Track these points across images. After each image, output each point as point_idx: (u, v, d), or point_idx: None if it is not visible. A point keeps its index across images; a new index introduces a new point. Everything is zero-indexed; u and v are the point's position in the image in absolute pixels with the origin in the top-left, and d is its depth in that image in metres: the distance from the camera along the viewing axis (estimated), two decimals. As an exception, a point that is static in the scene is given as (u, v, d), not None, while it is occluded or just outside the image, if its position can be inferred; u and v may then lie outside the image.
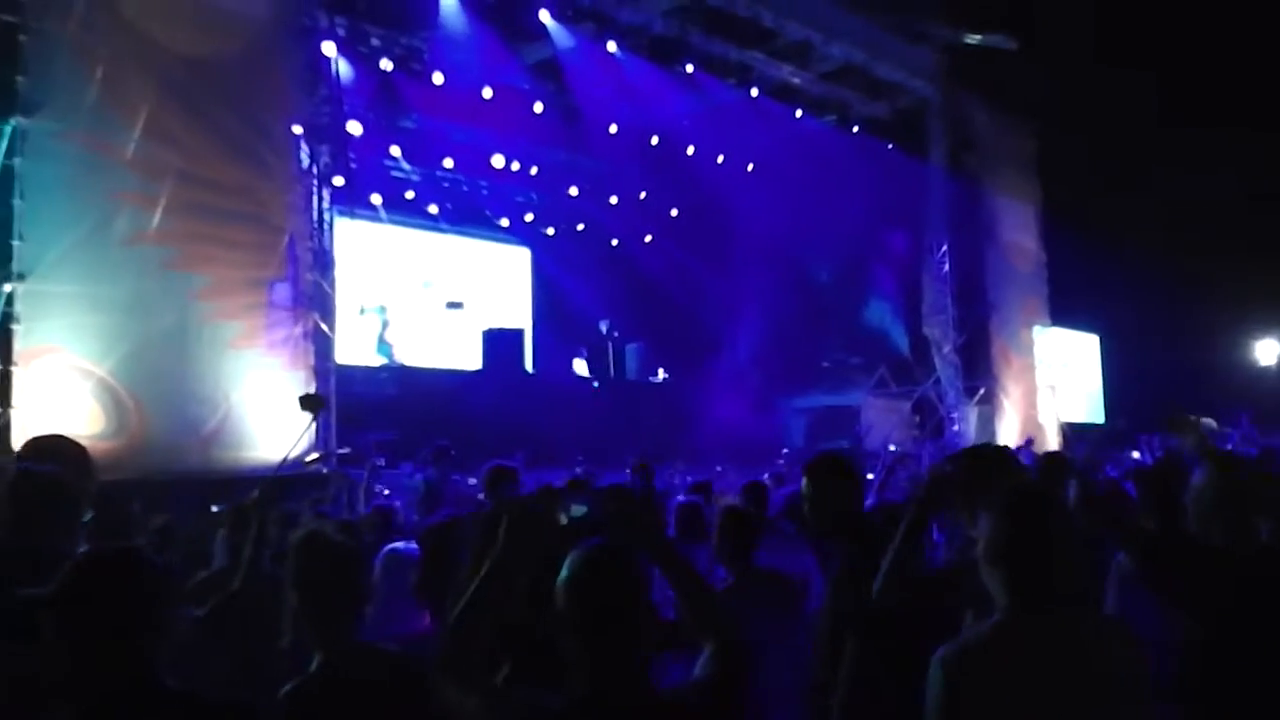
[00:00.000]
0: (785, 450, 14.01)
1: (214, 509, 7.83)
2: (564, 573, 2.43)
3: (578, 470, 9.53)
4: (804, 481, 3.93)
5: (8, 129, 10.02)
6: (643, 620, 2.43)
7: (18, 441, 9.62)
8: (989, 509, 2.78)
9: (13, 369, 9.82)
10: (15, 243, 9.96)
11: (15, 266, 9.95)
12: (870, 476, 12.14)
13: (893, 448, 13.73)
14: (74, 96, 10.14)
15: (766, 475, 10.53)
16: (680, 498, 7.16)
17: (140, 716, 2.43)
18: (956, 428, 20.54)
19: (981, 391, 21.26)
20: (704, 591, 2.67)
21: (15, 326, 9.87)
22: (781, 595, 4.55)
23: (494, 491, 6.01)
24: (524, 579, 2.51)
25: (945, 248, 20.55)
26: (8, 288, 9.93)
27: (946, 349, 20.54)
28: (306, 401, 11.64)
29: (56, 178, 10.16)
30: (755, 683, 2.97)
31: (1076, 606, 2.72)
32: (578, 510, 2.65)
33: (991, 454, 3.80)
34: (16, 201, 10.01)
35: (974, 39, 19.11)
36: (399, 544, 6.02)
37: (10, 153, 10.07)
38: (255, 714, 2.61)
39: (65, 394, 9.96)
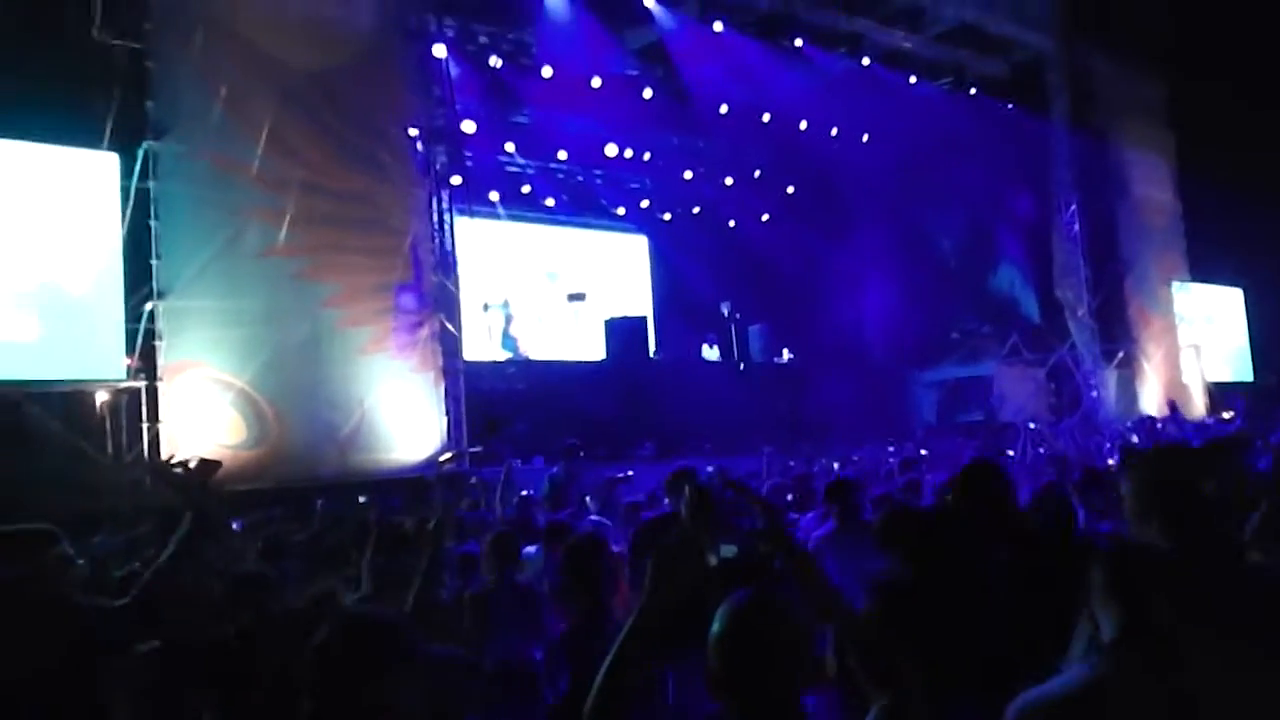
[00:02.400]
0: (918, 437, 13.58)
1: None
2: (715, 628, 2.21)
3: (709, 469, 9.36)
4: (952, 495, 3.76)
5: (140, 153, 10.39)
6: (801, 679, 2.21)
7: (168, 455, 10.02)
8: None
9: (158, 384, 10.20)
10: (154, 262, 10.36)
11: (155, 284, 10.34)
12: (1011, 453, 11.90)
13: (1032, 425, 13.31)
14: (199, 117, 10.48)
15: (893, 459, 10.30)
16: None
17: None
18: (1095, 393, 19.86)
19: (1120, 355, 20.51)
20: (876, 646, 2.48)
21: (158, 343, 10.24)
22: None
23: (675, 494, 5.96)
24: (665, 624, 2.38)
25: (1074, 207, 19.87)
26: (149, 305, 10.31)
27: (1081, 312, 19.85)
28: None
29: (188, 197, 10.51)
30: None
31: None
32: (727, 551, 2.47)
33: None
34: (152, 222, 10.41)
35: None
36: (529, 549, 6.08)
37: (144, 175, 10.45)
38: None
39: (208, 406, 10.30)
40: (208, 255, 10.42)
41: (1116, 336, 20.58)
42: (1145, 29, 18.91)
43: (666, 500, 6.45)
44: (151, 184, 10.39)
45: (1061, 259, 19.87)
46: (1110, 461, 9.39)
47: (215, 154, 10.58)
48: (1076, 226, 19.82)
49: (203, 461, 9.59)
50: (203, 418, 10.23)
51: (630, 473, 10.38)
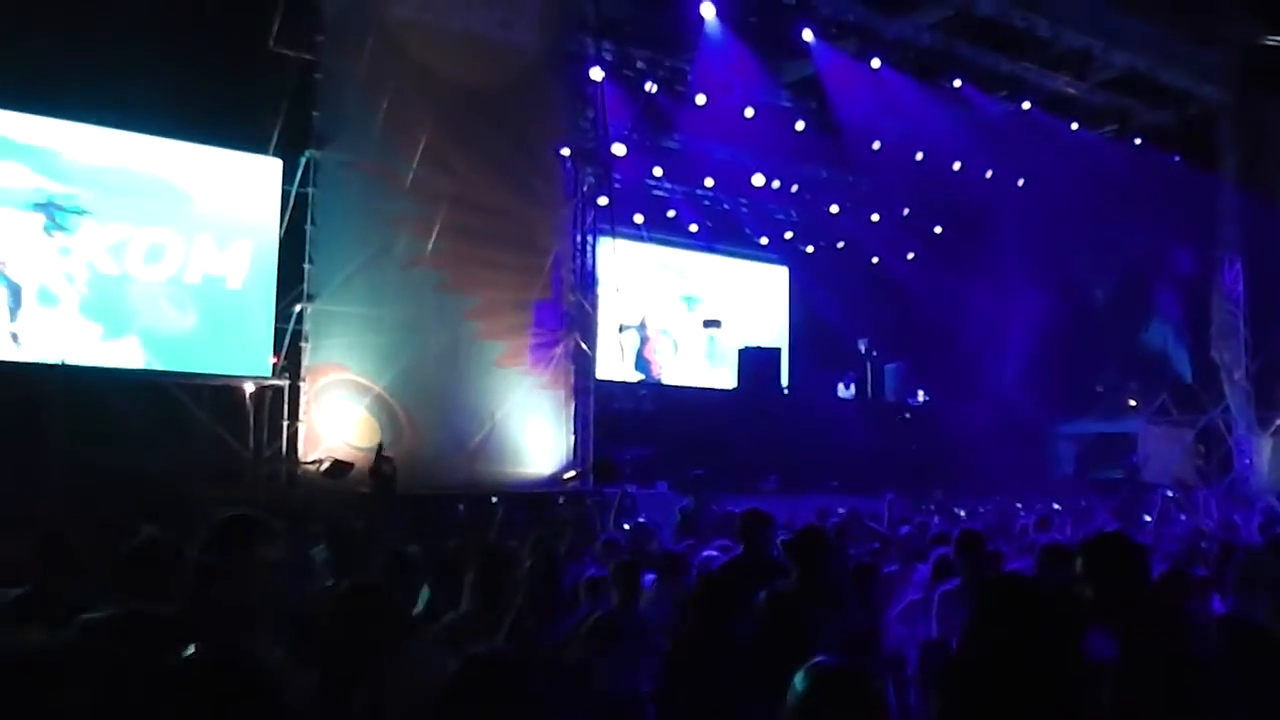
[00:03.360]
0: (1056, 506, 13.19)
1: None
2: (798, 691, 2.23)
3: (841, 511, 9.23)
4: (1080, 563, 3.61)
5: (302, 160, 10.83)
6: None
7: (305, 453, 10.41)
8: None
9: (301, 384, 10.58)
10: (307, 265, 10.76)
11: (306, 287, 10.76)
12: (1148, 519, 11.42)
13: (1170, 493, 12.76)
14: (361, 129, 10.87)
15: (1024, 515, 10.02)
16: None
17: None
18: (1247, 461, 18.93)
19: (1278, 423, 19.50)
20: None
21: (304, 344, 10.64)
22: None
23: (749, 539, 5.78)
24: None
25: (1238, 266, 18.99)
26: (299, 307, 10.73)
27: (1238, 375, 18.93)
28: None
29: (344, 205, 10.92)
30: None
31: None
32: None
33: None
34: (308, 227, 10.84)
35: (1276, 40, 17.61)
36: (647, 576, 6.07)
37: (304, 181, 10.90)
38: None
39: (346, 408, 10.64)
40: (358, 263, 10.80)
41: (1276, 403, 19.57)
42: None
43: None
44: (311, 190, 10.83)
45: (1221, 319, 19.01)
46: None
47: (373, 164, 10.96)
48: (1240, 287, 18.95)
49: (336, 463, 9.94)
50: (340, 419, 10.57)
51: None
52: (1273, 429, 19.43)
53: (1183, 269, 20.09)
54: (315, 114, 10.91)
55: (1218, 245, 19.12)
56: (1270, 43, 17.66)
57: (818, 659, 2.29)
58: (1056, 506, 13.19)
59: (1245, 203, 18.85)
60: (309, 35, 10.95)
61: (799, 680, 2.24)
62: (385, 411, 10.70)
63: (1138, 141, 18.75)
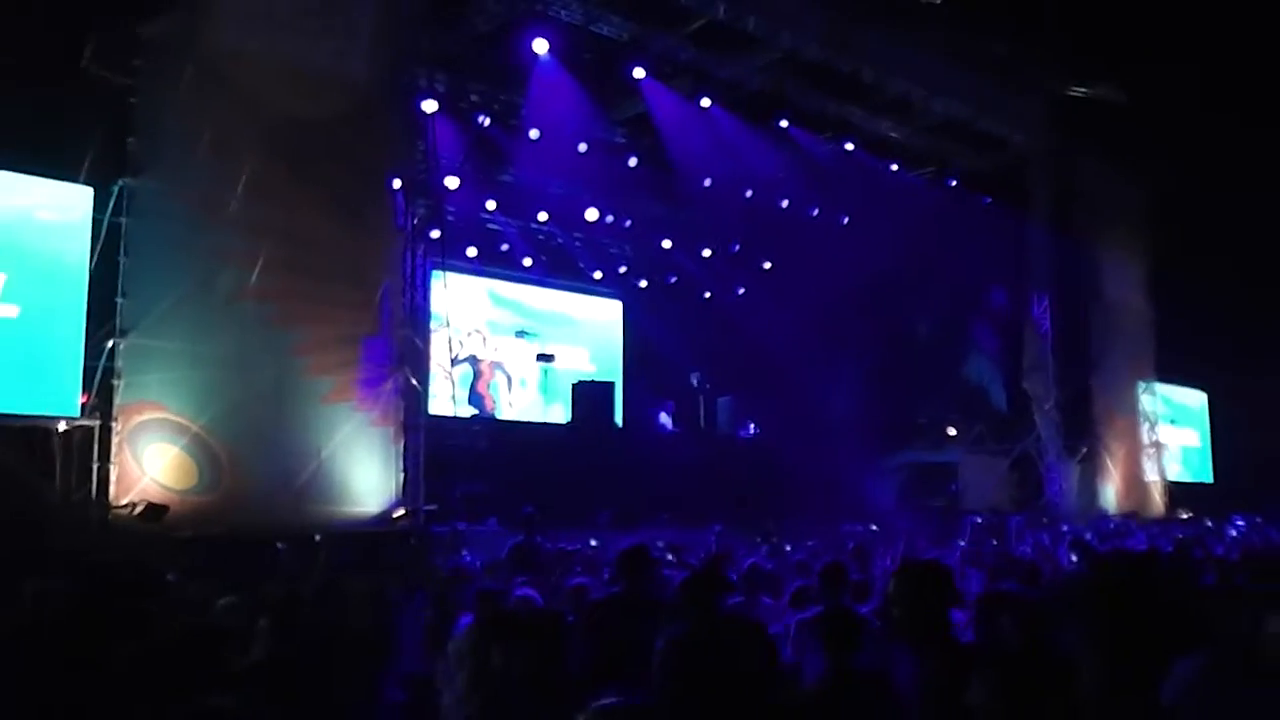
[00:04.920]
0: (874, 528, 13.70)
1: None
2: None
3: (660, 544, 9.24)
4: (891, 585, 3.76)
5: (115, 189, 10.32)
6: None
7: (117, 496, 9.88)
8: None
9: (112, 424, 10.05)
10: (119, 300, 10.23)
11: (118, 322, 10.22)
12: (962, 543, 11.88)
13: (978, 519, 13.40)
14: (181, 157, 10.41)
15: (849, 545, 10.28)
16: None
17: None
18: (1058, 487, 19.96)
19: (1084, 450, 20.64)
20: None
21: (116, 381, 10.11)
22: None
23: (629, 577, 5.52)
24: None
25: (1046, 303, 20.09)
26: (110, 343, 10.19)
27: (1047, 406, 19.99)
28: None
29: (161, 236, 10.42)
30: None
31: None
32: None
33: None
34: (122, 259, 10.30)
35: (1081, 91, 18.75)
36: (464, 619, 5.89)
37: (117, 211, 10.37)
38: None
39: (160, 449, 10.13)
40: (176, 296, 10.29)
41: (1081, 432, 20.74)
42: (1131, 137, 19.27)
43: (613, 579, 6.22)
44: (124, 220, 10.30)
45: (1031, 353, 20.09)
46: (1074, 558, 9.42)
47: (193, 194, 10.48)
48: (1047, 322, 20.04)
49: (150, 505, 9.48)
50: (154, 460, 10.07)
51: (595, 542, 10.27)
52: (1079, 456, 20.56)
53: (997, 305, 21.16)
54: (130, 140, 10.41)
55: (1028, 283, 20.20)
56: (1076, 93, 18.80)
57: (598, 701, 2.29)
58: (874, 528, 13.66)
59: (1054, 244, 20.00)
60: (126, 58, 10.45)
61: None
62: (203, 451, 10.23)
63: (954, 184, 19.66)
